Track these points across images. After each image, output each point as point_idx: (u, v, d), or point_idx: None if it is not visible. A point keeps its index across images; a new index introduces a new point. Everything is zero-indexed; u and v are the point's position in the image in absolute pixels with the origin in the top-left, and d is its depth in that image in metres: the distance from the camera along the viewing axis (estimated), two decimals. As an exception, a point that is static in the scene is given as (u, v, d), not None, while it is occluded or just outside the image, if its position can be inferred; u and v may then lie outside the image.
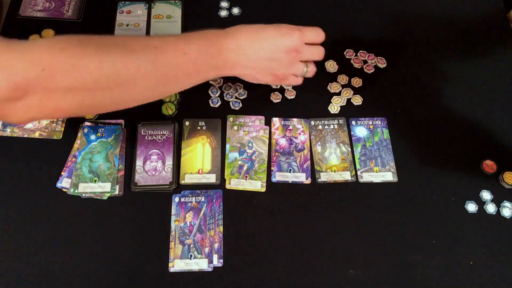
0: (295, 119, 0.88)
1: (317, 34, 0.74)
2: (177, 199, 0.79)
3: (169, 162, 0.81)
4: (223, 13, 1.00)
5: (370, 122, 0.88)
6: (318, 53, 0.77)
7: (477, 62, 0.96)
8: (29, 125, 0.84)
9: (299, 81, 0.79)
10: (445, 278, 0.74)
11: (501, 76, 0.94)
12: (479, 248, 0.77)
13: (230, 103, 0.89)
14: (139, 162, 0.80)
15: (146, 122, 0.84)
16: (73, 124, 0.85)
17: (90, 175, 0.79)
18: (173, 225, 0.76)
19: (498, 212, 0.80)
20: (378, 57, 0.96)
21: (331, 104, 0.90)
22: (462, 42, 0.99)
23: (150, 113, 0.86)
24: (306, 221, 0.78)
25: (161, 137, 0.83)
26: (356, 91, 0.92)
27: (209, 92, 0.90)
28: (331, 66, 0.94)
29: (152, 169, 0.80)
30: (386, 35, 0.99)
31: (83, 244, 0.74)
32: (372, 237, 0.77)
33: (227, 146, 0.84)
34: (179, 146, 0.84)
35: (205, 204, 0.78)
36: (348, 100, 0.90)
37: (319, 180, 0.82)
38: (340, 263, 0.75)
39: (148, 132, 0.83)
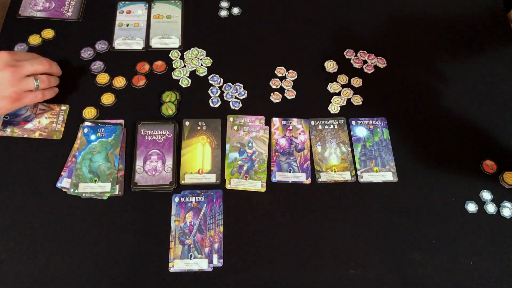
0: (295, 119, 0.88)
1: (29, 54, 0.80)
2: (177, 199, 0.79)
3: (169, 162, 0.81)
4: (223, 13, 1.00)
5: (370, 122, 0.88)
6: (39, 62, 0.79)
7: (477, 62, 0.96)
8: (29, 125, 0.84)
9: (38, 96, 0.79)
10: (445, 278, 0.74)
11: (501, 76, 0.95)
12: (479, 248, 0.77)
13: (230, 103, 0.89)
14: (139, 162, 0.80)
15: (146, 122, 0.84)
16: (73, 124, 0.85)
17: (90, 175, 0.79)
18: (173, 225, 0.76)
19: (498, 212, 0.80)
20: (378, 57, 0.96)
21: (331, 104, 0.90)
22: (462, 42, 0.99)
23: (150, 113, 0.86)
24: (306, 221, 0.78)
25: (161, 137, 0.83)
26: (356, 91, 0.92)
27: (209, 92, 0.90)
28: (331, 66, 0.94)
29: (152, 169, 0.80)
30: (386, 35, 0.99)
31: (83, 244, 0.74)
32: (372, 237, 0.77)
33: (227, 146, 0.84)
34: (179, 146, 0.84)
35: (205, 204, 0.78)
36: (348, 100, 0.90)
37: (319, 180, 0.82)
38: (340, 263, 0.75)
39: (148, 132, 0.83)
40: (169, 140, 0.83)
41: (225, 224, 0.77)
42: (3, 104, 0.75)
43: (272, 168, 0.82)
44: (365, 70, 0.94)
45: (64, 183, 0.79)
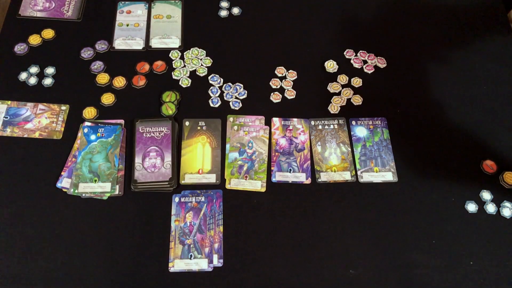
0: (295, 119, 0.88)
1: None
2: (177, 199, 0.79)
3: (168, 158, 0.80)
4: (223, 13, 1.00)
5: (370, 122, 0.88)
6: None
7: (477, 62, 0.96)
8: (29, 125, 0.84)
9: None
10: (445, 278, 0.74)
11: (501, 76, 0.95)
12: (479, 248, 0.77)
13: (230, 103, 0.89)
14: (138, 159, 0.80)
15: (144, 120, 0.84)
16: (73, 124, 0.85)
17: (90, 175, 0.79)
18: (173, 225, 0.76)
19: (498, 212, 0.80)
20: (378, 57, 0.96)
21: (331, 104, 0.90)
22: (462, 42, 0.99)
23: (150, 113, 0.86)
24: (306, 221, 0.78)
25: (159, 133, 0.83)
26: (356, 91, 0.92)
27: (209, 92, 0.90)
28: (331, 66, 0.94)
29: (151, 165, 0.80)
30: (386, 35, 0.99)
31: (83, 244, 0.74)
32: (372, 237, 0.77)
33: (227, 146, 0.84)
34: (179, 146, 0.84)
35: (205, 204, 0.78)
36: (348, 100, 0.90)
37: (319, 180, 0.82)
38: (340, 263, 0.75)
39: (146, 130, 0.83)
40: (167, 137, 0.82)
41: (225, 224, 0.77)
42: None
43: (272, 168, 0.82)
44: (365, 70, 0.94)
45: (64, 183, 0.79)
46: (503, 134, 0.88)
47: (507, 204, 0.80)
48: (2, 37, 0.94)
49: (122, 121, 0.85)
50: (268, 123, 0.87)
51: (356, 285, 0.73)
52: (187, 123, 0.86)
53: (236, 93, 0.90)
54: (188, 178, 0.81)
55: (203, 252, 0.74)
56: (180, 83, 0.91)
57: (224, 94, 0.90)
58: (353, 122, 0.88)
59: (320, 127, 0.87)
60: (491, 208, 0.80)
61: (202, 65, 0.93)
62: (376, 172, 0.83)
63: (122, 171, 0.80)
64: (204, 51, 0.95)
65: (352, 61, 0.95)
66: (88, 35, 0.96)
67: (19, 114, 0.85)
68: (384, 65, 0.95)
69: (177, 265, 0.73)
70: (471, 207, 0.80)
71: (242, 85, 0.91)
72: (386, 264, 0.75)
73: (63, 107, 0.86)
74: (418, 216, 0.79)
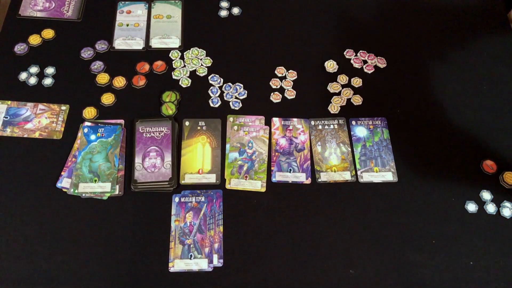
0: (295, 119, 0.88)
1: None
2: (177, 199, 0.79)
3: (168, 158, 0.80)
4: (223, 13, 1.00)
5: (370, 122, 0.88)
6: None
7: (477, 62, 0.96)
8: (29, 125, 0.84)
9: None
10: (445, 278, 0.74)
11: (501, 76, 0.94)
12: (479, 248, 0.77)
13: (230, 103, 0.89)
14: (138, 159, 0.80)
15: (144, 120, 0.84)
16: (73, 124, 0.85)
17: (90, 175, 0.79)
18: (173, 225, 0.76)
19: (498, 212, 0.80)
20: (378, 57, 0.96)
21: (331, 104, 0.90)
22: (462, 42, 0.99)
23: (150, 113, 0.86)
24: (306, 221, 0.78)
25: (159, 133, 0.83)
26: (356, 91, 0.92)
27: (209, 92, 0.90)
28: (331, 66, 0.94)
29: (151, 165, 0.80)
30: (386, 35, 0.99)
31: (83, 244, 0.74)
32: (372, 237, 0.77)
33: (227, 146, 0.84)
34: (179, 146, 0.84)
35: (205, 204, 0.78)
36: (348, 100, 0.90)
37: (319, 180, 0.82)
38: (340, 263, 0.75)
39: (146, 130, 0.83)
40: (167, 137, 0.82)
41: (225, 224, 0.77)
42: None
43: (272, 168, 0.82)
44: (365, 70, 0.94)
45: (64, 183, 0.79)
46: (503, 134, 0.88)
47: (507, 204, 0.80)
48: (2, 37, 0.94)
49: (122, 121, 0.85)
50: (268, 123, 0.87)
51: (356, 285, 0.73)
52: (187, 123, 0.86)
53: (236, 93, 0.90)
54: (188, 178, 0.81)
55: (203, 252, 0.74)
56: (180, 83, 0.91)
57: (224, 94, 0.90)
58: (353, 122, 0.88)
59: (320, 127, 0.87)
60: (491, 208, 0.80)
61: (202, 65, 0.93)
62: (376, 172, 0.83)
63: (122, 171, 0.80)
64: (204, 51, 0.95)
65: (352, 61, 0.95)
66: (88, 35, 0.96)
67: (19, 114, 0.85)
68: (384, 65, 0.95)
69: (177, 265, 0.73)
70: (471, 207, 0.80)
71: (242, 85, 0.91)
72: (386, 264, 0.75)
73: (63, 107, 0.86)
74: (418, 216, 0.79)
